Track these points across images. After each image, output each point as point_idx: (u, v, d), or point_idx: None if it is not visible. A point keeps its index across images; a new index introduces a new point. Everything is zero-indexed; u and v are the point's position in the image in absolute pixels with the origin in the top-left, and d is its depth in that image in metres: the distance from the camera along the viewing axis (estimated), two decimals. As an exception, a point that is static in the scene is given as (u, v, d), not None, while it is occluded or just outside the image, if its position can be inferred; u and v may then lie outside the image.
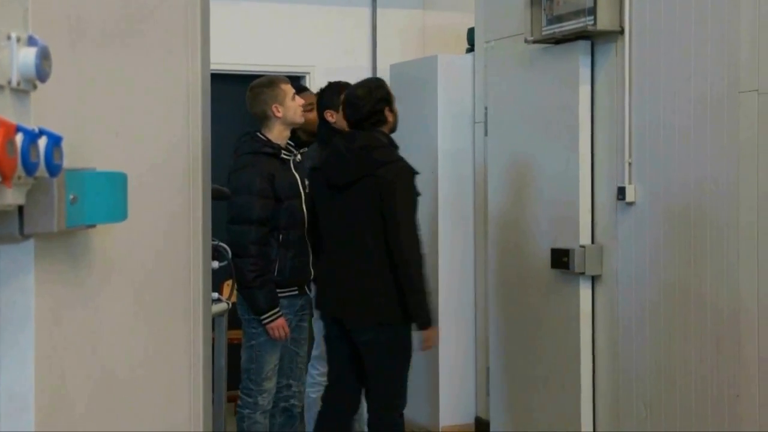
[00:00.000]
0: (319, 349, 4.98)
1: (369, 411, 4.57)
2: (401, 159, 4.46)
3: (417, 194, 4.46)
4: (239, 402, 4.69)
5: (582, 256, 5.02)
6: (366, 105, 4.46)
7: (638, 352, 4.78)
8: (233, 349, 5.32)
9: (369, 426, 4.56)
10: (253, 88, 4.72)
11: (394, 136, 4.59)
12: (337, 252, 4.49)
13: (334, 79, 5.46)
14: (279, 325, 4.52)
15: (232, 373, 5.25)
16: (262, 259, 4.48)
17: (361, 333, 4.44)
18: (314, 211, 4.64)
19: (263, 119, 4.65)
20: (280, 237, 4.57)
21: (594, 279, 5.10)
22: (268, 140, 4.60)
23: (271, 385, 4.63)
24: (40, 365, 1.50)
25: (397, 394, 4.50)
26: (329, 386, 4.63)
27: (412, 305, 4.34)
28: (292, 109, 4.63)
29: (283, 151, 4.63)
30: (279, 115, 4.60)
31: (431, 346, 4.52)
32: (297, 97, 4.69)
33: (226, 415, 5.01)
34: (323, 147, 4.79)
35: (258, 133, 4.64)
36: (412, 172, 4.44)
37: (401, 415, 4.52)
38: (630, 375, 4.84)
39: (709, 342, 4.35)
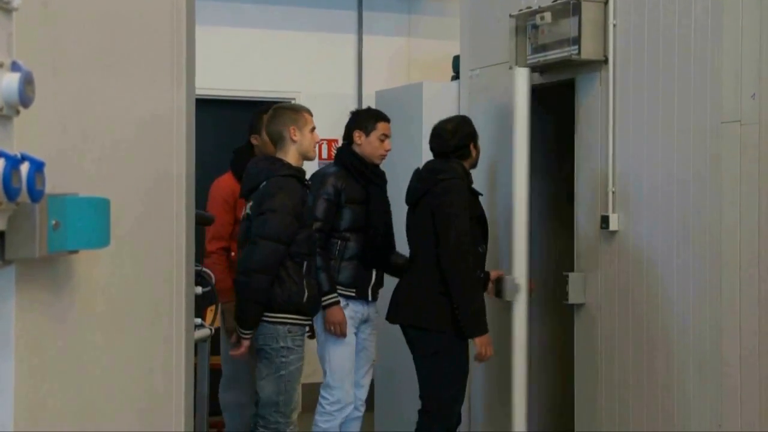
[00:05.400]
0: (329, 376, 4.93)
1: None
2: (456, 177, 4.67)
3: (467, 210, 4.62)
4: None
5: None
6: (453, 139, 4.81)
7: (620, 380, 4.77)
8: (215, 375, 5.29)
9: None
10: (276, 108, 4.63)
11: None
12: (410, 265, 4.88)
13: (321, 105, 5.46)
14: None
15: (214, 399, 5.21)
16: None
17: (408, 334, 4.75)
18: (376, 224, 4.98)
19: (279, 141, 4.52)
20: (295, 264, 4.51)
21: (576, 307, 5.09)
22: (292, 166, 4.50)
23: (296, 415, 4.48)
24: (20, 393, 1.48)
25: (445, 405, 4.66)
26: None
27: (459, 314, 4.59)
28: (308, 139, 4.51)
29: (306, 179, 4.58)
30: (295, 138, 4.47)
31: (485, 356, 4.69)
32: (315, 133, 4.59)
33: (207, 441, 4.98)
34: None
35: (281, 159, 4.50)
36: (463, 188, 4.65)
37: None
38: (612, 404, 4.83)
39: (691, 368, 4.35)
